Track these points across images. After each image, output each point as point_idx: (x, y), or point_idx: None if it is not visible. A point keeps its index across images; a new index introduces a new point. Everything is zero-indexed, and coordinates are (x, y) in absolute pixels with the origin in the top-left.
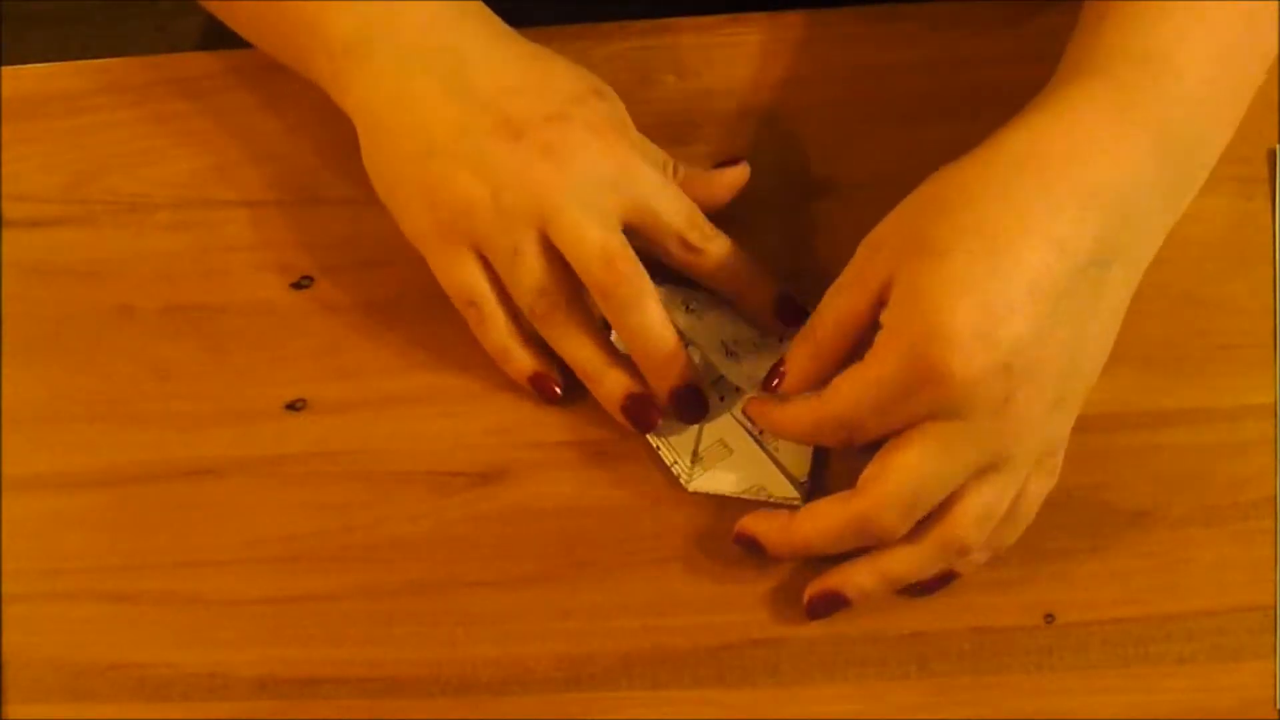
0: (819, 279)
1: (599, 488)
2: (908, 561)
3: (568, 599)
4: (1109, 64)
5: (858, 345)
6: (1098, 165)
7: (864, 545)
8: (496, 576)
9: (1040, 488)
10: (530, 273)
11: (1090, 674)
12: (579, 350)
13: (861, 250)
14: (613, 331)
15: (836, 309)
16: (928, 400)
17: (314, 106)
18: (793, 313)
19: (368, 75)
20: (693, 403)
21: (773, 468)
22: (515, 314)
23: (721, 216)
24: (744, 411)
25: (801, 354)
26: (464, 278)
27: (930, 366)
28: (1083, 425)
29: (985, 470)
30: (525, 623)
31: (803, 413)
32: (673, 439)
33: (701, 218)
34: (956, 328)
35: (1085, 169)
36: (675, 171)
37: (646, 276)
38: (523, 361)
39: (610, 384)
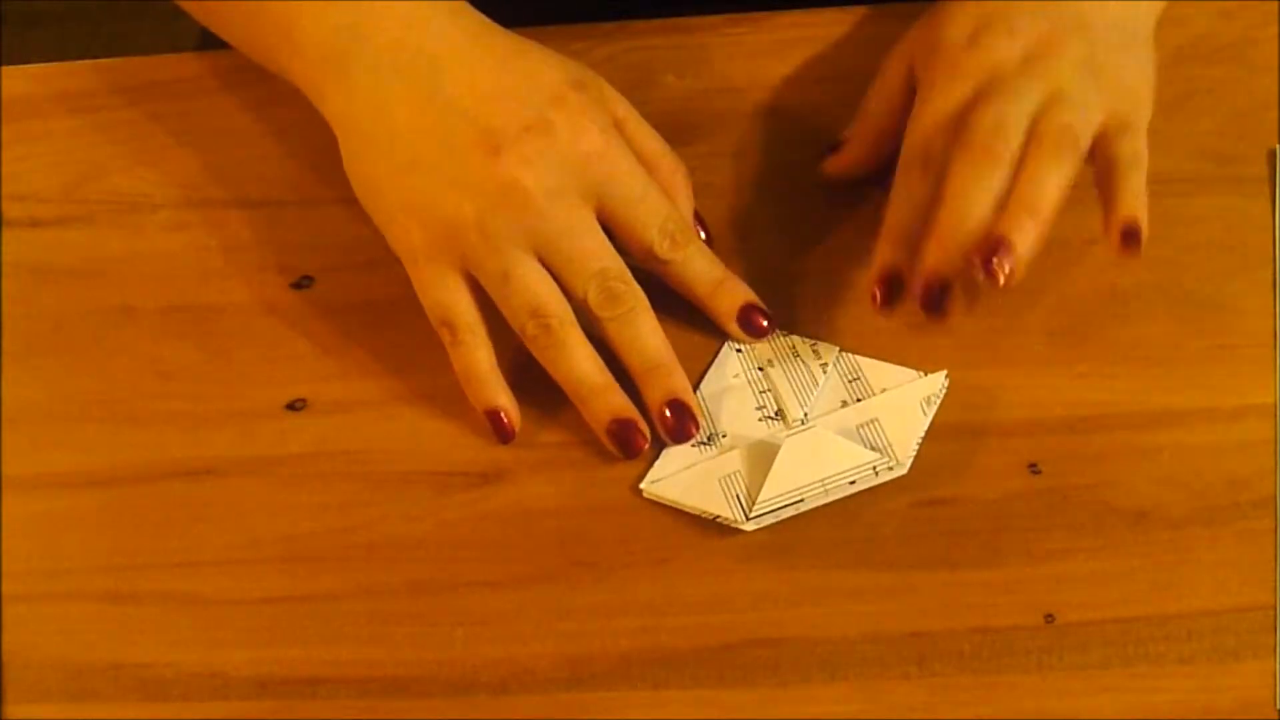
0: (819, 279)
1: (599, 488)
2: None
3: (568, 599)
4: None
5: (901, 116)
6: None
7: (970, 203)
8: (496, 576)
9: (1122, 144)
10: (521, 295)
11: (1090, 674)
12: (570, 371)
13: (896, 47)
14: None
15: (879, 83)
16: (962, 91)
17: (313, 106)
18: (754, 326)
19: (344, 86)
20: (681, 416)
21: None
22: (489, 345)
23: (722, 218)
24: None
25: (859, 126)
26: (443, 297)
27: (948, 64)
28: (1083, 425)
29: (1045, 104)
30: (525, 623)
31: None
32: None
33: (677, 223)
34: (959, 32)
35: None
36: (667, 169)
37: (640, 292)
38: (485, 393)
39: (598, 406)
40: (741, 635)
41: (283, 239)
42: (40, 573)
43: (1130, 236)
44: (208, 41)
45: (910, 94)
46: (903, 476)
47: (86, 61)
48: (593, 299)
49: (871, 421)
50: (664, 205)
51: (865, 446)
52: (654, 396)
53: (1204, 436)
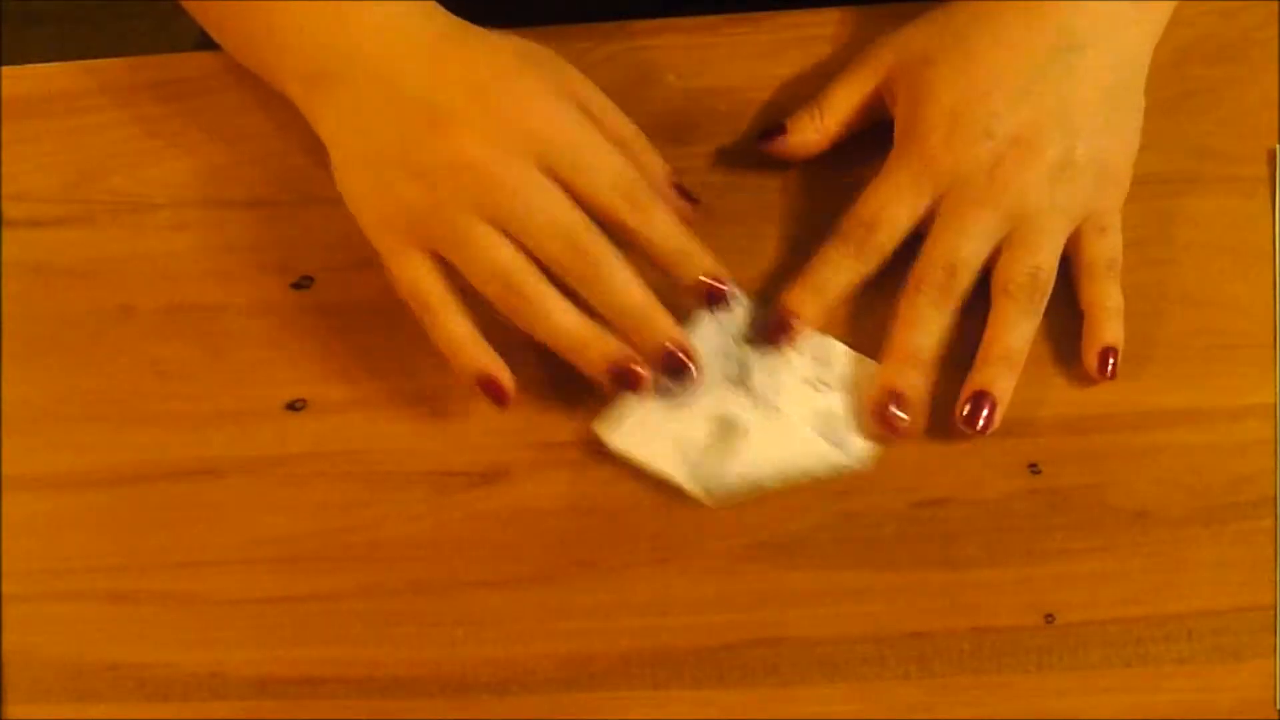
0: None
1: (599, 488)
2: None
3: (568, 599)
4: None
5: (854, 127)
6: None
7: (922, 333)
8: (496, 576)
9: (1098, 248)
10: (481, 260)
11: (1090, 674)
12: (551, 326)
13: (869, 50)
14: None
15: (842, 88)
16: (930, 182)
17: None
18: (713, 296)
19: (331, 104)
20: (676, 362)
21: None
22: (466, 314)
23: (722, 217)
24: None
25: (804, 117)
26: (412, 277)
27: (919, 150)
28: (1083, 425)
29: (1011, 235)
30: (525, 623)
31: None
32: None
33: (636, 184)
34: (937, 114)
35: None
36: (637, 147)
37: (608, 243)
38: (469, 359)
39: (591, 355)
40: (741, 635)
41: (283, 239)
42: (40, 573)
43: (1107, 361)
44: (207, 41)
45: (874, 102)
46: (903, 477)
47: (86, 61)
48: (558, 255)
49: (836, 415)
50: (620, 166)
51: (828, 441)
52: (646, 347)
53: (1204, 436)
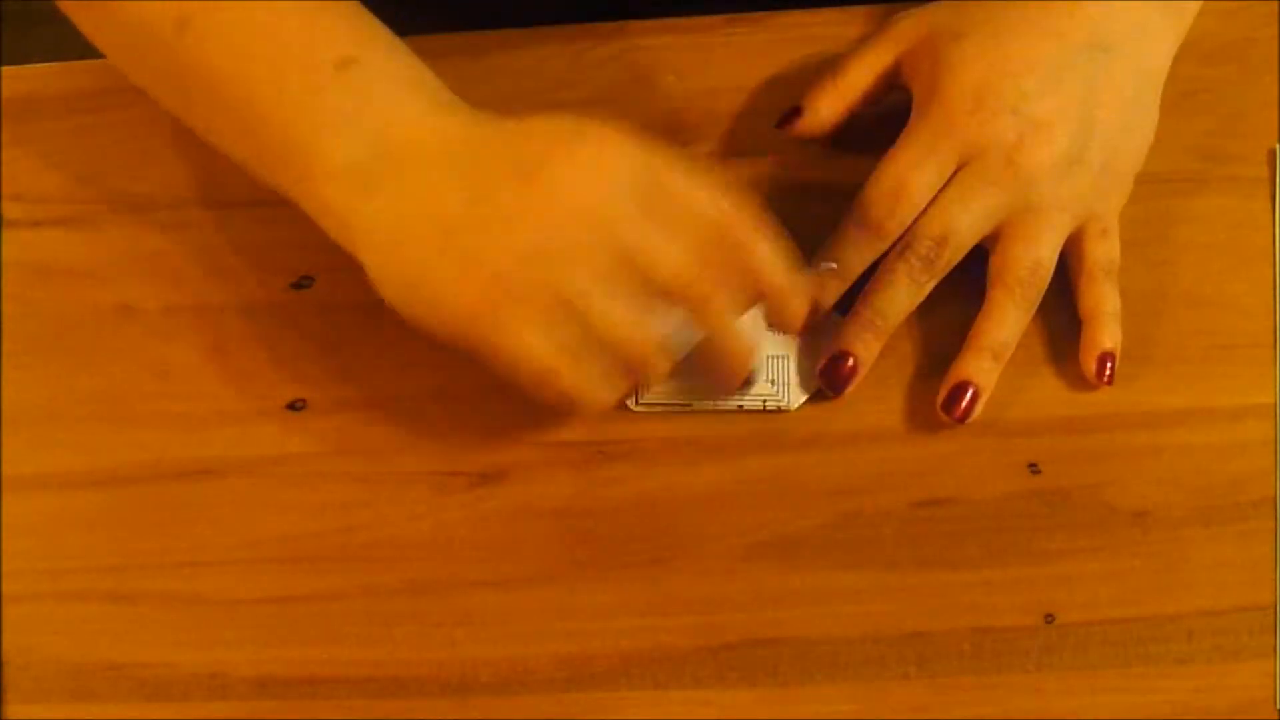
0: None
1: (599, 488)
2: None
3: (568, 599)
4: None
5: (870, 99)
6: None
7: (890, 301)
8: (496, 576)
9: (1099, 251)
10: (612, 316)
11: (1090, 674)
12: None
13: (893, 20)
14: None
15: (860, 59)
16: (953, 150)
17: None
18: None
19: (370, 197)
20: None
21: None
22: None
23: None
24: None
25: (817, 91)
26: (527, 347)
27: (943, 117)
28: (1083, 425)
29: (1014, 225)
30: (525, 623)
31: (858, 212)
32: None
33: (739, 216)
34: (964, 85)
35: None
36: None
37: (721, 280)
38: (611, 400)
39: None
40: (741, 635)
41: (283, 239)
42: (40, 573)
43: (1105, 366)
44: None
45: (891, 75)
46: (902, 477)
47: (86, 61)
48: (681, 290)
49: (783, 357)
50: (714, 196)
51: (765, 378)
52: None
53: (1204, 436)
